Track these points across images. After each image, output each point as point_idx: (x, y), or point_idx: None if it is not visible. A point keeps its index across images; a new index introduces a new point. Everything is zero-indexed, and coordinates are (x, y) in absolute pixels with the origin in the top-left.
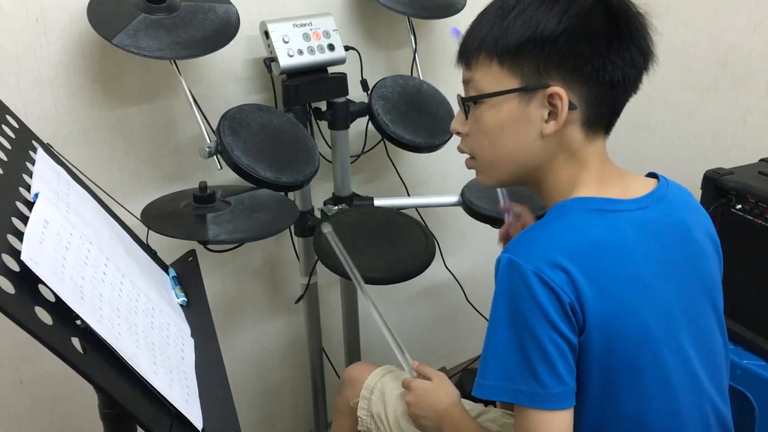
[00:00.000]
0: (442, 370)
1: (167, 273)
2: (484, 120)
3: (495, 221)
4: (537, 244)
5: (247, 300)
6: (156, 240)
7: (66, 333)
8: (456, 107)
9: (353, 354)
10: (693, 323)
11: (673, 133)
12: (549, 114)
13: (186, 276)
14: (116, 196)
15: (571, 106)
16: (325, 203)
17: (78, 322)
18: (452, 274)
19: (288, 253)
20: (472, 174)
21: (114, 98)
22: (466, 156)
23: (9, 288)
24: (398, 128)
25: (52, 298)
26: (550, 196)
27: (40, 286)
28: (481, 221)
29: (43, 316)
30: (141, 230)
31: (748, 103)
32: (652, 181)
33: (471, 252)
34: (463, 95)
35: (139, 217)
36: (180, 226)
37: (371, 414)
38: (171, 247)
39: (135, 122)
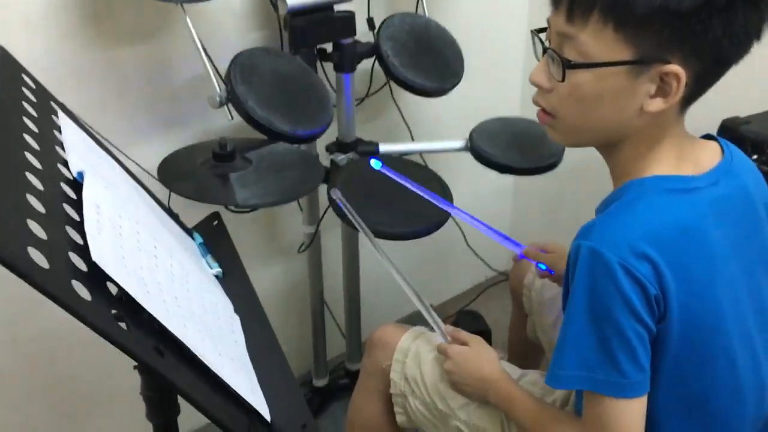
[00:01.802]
0: (434, 308)
1: (192, 238)
2: (582, 87)
3: (502, 168)
4: (620, 231)
5: (245, 245)
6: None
7: (141, 335)
8: (527, 51)
9: (353, 303)
10: (756, 300)
11: None
12: (656, 88)
13: (214, 242)
14: (114, 143)
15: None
16: (327, 148)
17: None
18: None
19: None
20: (478, 117)
21: (106, 39)
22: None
23: (85, 294)
24: (408, 72)
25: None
26: (625, 167)
27: (108, 283)
28: (489, 167)
29: (119, 319)
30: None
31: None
32: (717, 149)
33: (472, 193)
34: (552, 46)
35: (147, 170)
36: (203, 189)
37: (405, 377)
38: (185, 206)
39: (129, 65)
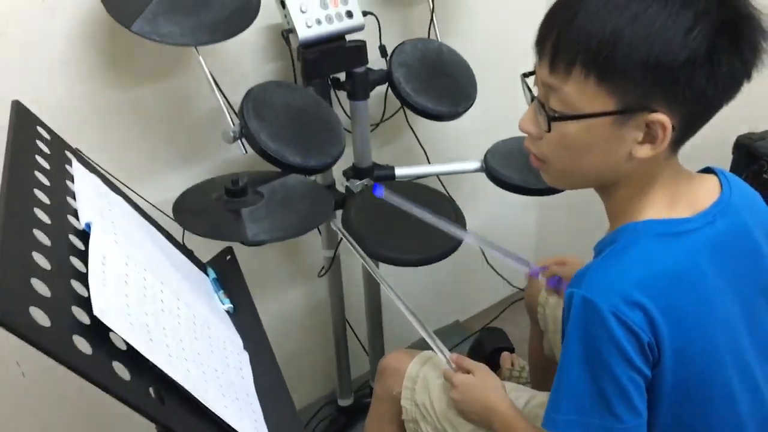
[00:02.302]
0: (455, 323)
1: (206, 273)
2: (569, 136)
3: (518, 189)
4: (612, 280)
5: (267, 270)
6: (187, 237)
7: (143, 384)
8: (518, 95)
9: (375, 322)
10: (755, 333)
11: None
12: (644, 135)
13: (226, 276)
14: (135, 179)
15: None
16: (344, 173)
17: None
18: None
19: None
20: (492, 137)
21: (127, 79)
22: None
23: (86, 348)
24: (420, 97)
25: (123, 346)
26: (619, 209)
27: (111, 334)
28: (504, 189)
29: (121, 370)
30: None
31: None
32: (715, 185)
33: (489, 211)
34: (538, 96)
35: (161, 208)
36: (216, 226)
37: (416, 403)
38: (202, 239)
39: (149, 103)
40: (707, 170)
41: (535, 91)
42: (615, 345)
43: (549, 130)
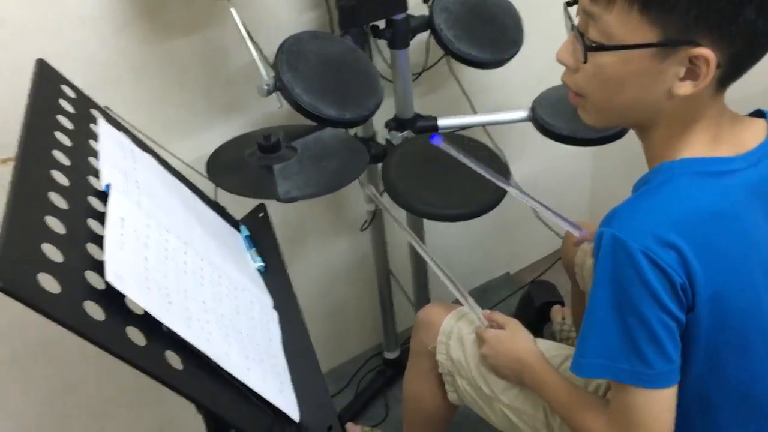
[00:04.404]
0: (506, 275)
1: (239, 230)
2: (606, 68)
3: (567, 139)
4: (644, 218)
5: (310, 224)
6: (221, 192)
7: (160, 349)
8: (553, 28)
9: (420, 275)
10: None
11: None
12: (686, 71)
13: (258, 234)
14: (173, 134)
15: (716, 66)
16: (386, 125)
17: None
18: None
19: None
20: (541, 86)
21: (161, 32)
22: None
23: (98, 314)
24: (463, 44)
25: (140, 311)
26: (657, 149)
27: (127, 299)
28: (553, 139)
29: (135, 336)
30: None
31: None
32: (763, 126)
33: (536, 160)
34: (577, 24)
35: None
36: (248, 183)
37: (451, 359)
38: (238, 197)
39: (185, 55)
40: (759, 114)
41: (576, 22)
42: (645, 286)
43: (585, 61)
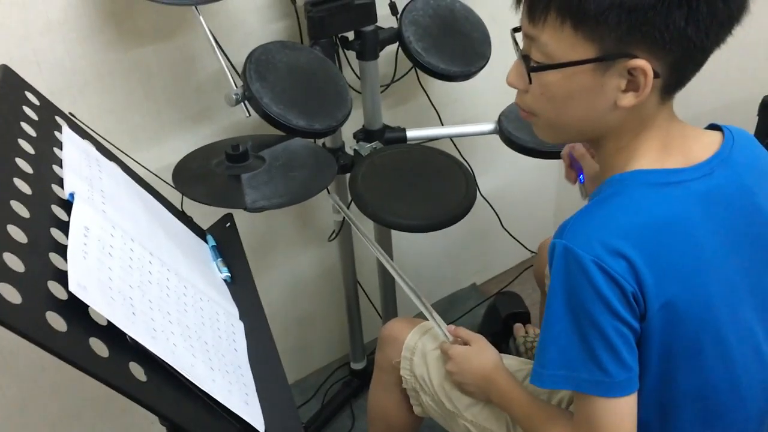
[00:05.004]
0: (472, 286)
1: (205, 241)
2: (551, 87)
3: (533, 152)
4: (595, 228)
5: (278, 234)
6: (188, 202)
7: (123, 360)
8: (507, 53)
9: (387, 286)
10: (759, 296)
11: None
12: (627, 83)
13: (225, 244)
14: (140, 142)
15: (655, 76)
16: (354, 135)
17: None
18: (485, 199)
19: None
20: (508, 99)
21: (128, 39)
22: (506, 86)
23: (60, 325)
24: (432, 57)
25: (103, 321)
26: (610, 161)
27: (90, 309)
28: (519, 152)
29: (98, 347)
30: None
31: None
32: (717, 138)
33: (503, 173)
34: (522, 48)
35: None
36: (215, 192)
37: (414, 375)
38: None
39: (152, 63)
40: (714, 127)
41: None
42: (598, 295)
43: (530, 82)
